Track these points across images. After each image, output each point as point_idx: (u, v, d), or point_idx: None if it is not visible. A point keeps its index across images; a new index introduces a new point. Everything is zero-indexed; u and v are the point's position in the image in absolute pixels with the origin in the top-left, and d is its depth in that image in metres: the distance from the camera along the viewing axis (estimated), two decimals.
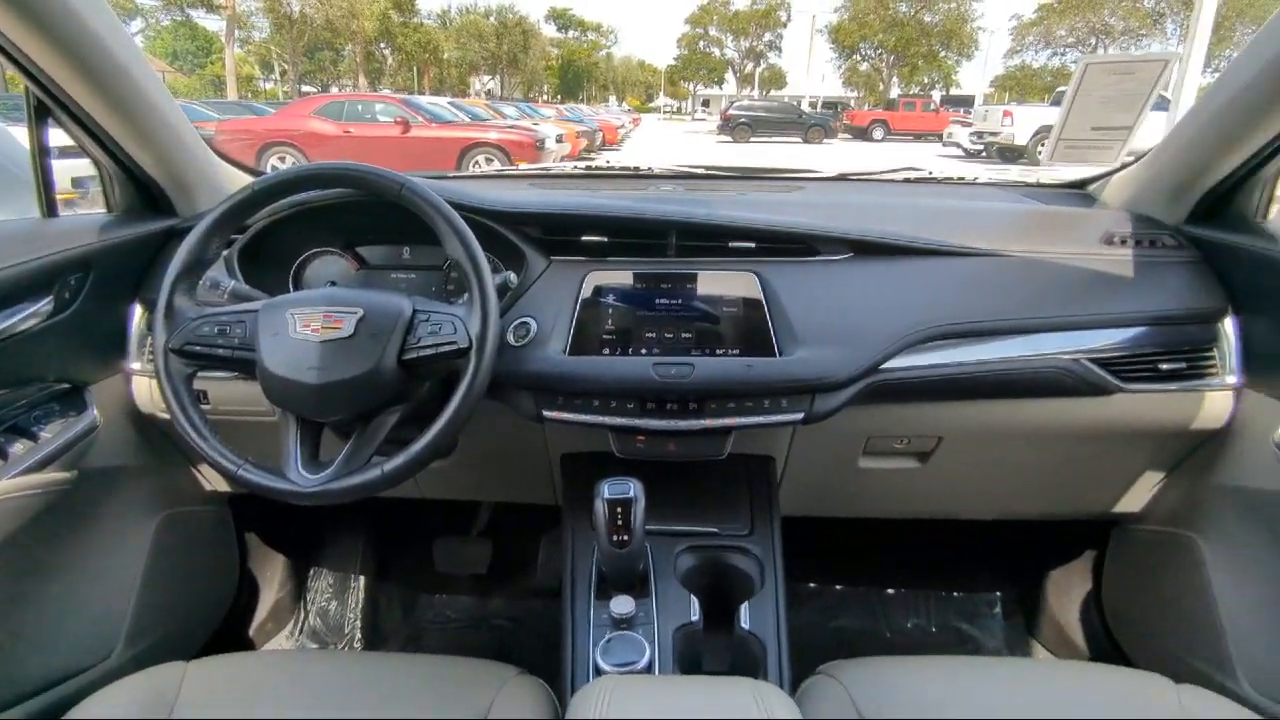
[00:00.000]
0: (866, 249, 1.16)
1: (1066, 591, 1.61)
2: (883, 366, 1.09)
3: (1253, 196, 1.14)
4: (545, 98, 54.39)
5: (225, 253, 1.16)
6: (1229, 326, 1.13)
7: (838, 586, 1.79)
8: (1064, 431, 1.21)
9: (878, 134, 25.89)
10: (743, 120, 23.60)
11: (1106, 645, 1.48)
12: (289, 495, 0.91)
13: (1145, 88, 1.23)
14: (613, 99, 71.82)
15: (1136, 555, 1.42)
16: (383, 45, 41.73)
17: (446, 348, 0.92)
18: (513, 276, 1.14)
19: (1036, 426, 1.19)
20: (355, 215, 1.17)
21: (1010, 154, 15.59)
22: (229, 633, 1.58)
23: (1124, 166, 1.32)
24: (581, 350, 1.08)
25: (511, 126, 11.97)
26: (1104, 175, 1.39)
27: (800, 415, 1.07)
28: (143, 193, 1.24)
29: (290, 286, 1.25)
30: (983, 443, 1.25)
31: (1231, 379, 1.13)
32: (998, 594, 1.76)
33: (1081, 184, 1.45)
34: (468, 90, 47.87)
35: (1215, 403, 1.14)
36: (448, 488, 1.52)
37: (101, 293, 1.15)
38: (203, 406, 1.03)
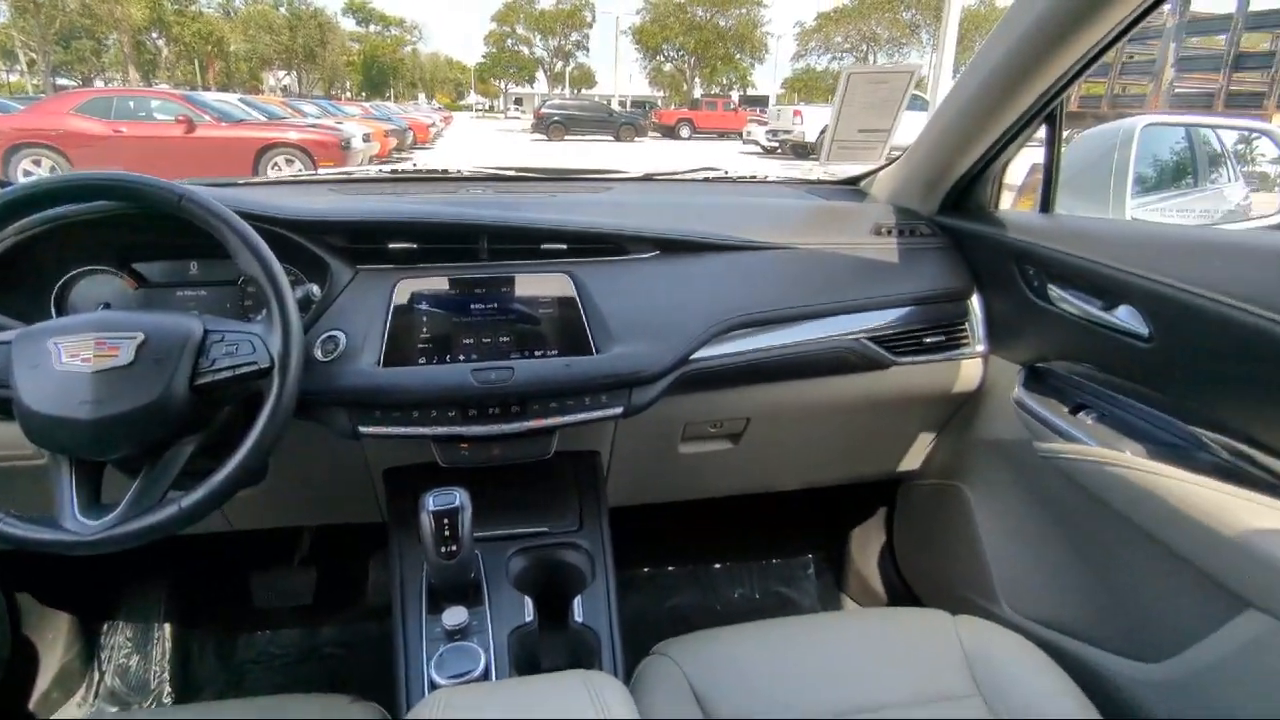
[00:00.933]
0: (671, 247, 1.22)
1: (865, 546, 1.79)
2: (692, 357, 1.14)
3: (987, 189, 1.32)
4: (349, 95, 51.26)
5: None
6: (975, 303, 1.31)
7: (670, 568, 1.87)
8: (853, 403, 1.34)
9: (685, 132, 27.03)
10: (556, 119, 23.69)
11: (901, 590, 1.66)
12: (66, 547, 0.81)
13: (898, 95, 1.40)
14: (422, 97, 69.06)
15: (919, 507, 1.61)
16: (155, 35, 37.18)
17: (245, 369, 0.85)
18: (316, 289, 1.08)
19: (830, 401, 1.32)
20: (131, 229, 1.05)
21: (802, 150, 16.93)
22: (3, 709, 1.37)
23: (888, 164, 1.48)
24: (396, 361, 1.04)
25: (313, 126, 11.23)
26: (872, 172, 1.54)
27: (620, 409, 1.10)
28: None
29: (52, 312, 1.10)
30: (785, 420, 1.36)
31: (980, 348, 1.31)
32: (810, 556, 1.91)
33: (854, 180, 1.61)
34: (261, 86, 44.01)
35: (969, 369, 1.32)
36: (261, 516, 1.41)
37: None
38: None
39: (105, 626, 1.65)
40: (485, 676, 0.98)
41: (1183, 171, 1.72)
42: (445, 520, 0.96)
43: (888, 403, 1.35)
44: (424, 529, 0.97)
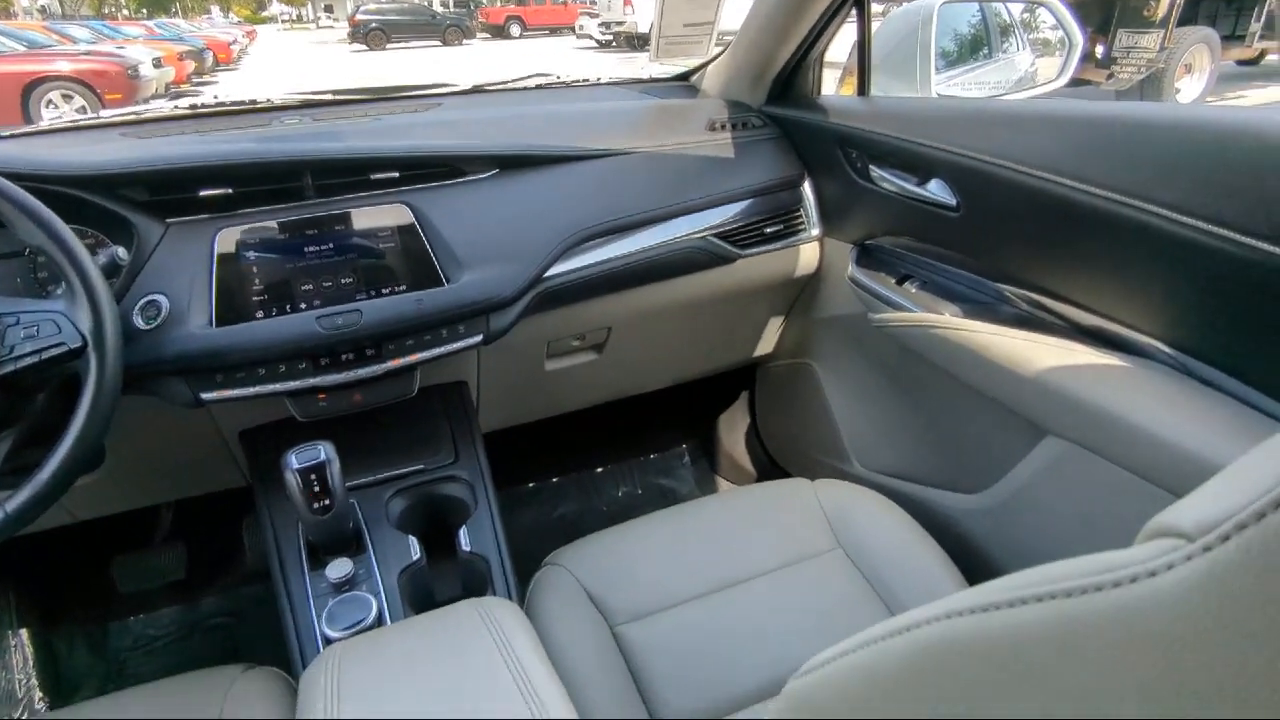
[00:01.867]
0: (510, 164, 1.18)
1: (733, 429, 1.91)
2: (546, 274, 1.14)
3: (808, 77, 1.37)
4: (126, 13, 44.51)
5: None
6: (807, 189, 1.38)
7: (554, 479, 1.92)
8: (706, 299, 1.39)
9: (515, 30, 25.59)
10: (374, 26, 21.78)
11: (767, 464, 1.80)
12: None
13: None
14: (216, 10, 61.11)
15: (776, 387, 1.72)
16: None
17: (52, 351, 0.77)
18: (122, 251, 0.96)
19: (684, 299, 1.36)
20: None
21: (637, 41, 16.51)
22: None
23: (720, 53, 1.49)
24: (231, 318, 0.97)
25: (87, 53, 9.75)
26: (702, 66, 1.55)
27: (479, 337, 1.09)
28: None
29: None
30: (645, 324, 1.40)
31: (815, 231, 1.39)
32: (684, 446, 2.02)
33: (685, 76, 1.61)
34: (11, 8, 37.38)
35: (807, 253, 1.40)
36: (108, 502, 1.31)
37: None
38: None
39: None
40: (379, 623, 0.98)
41: (979, 44, 1.86)
42: (312, 476, 0.94)
43: (738, 294, 1.42)
44: (291, 489, 0.94)
